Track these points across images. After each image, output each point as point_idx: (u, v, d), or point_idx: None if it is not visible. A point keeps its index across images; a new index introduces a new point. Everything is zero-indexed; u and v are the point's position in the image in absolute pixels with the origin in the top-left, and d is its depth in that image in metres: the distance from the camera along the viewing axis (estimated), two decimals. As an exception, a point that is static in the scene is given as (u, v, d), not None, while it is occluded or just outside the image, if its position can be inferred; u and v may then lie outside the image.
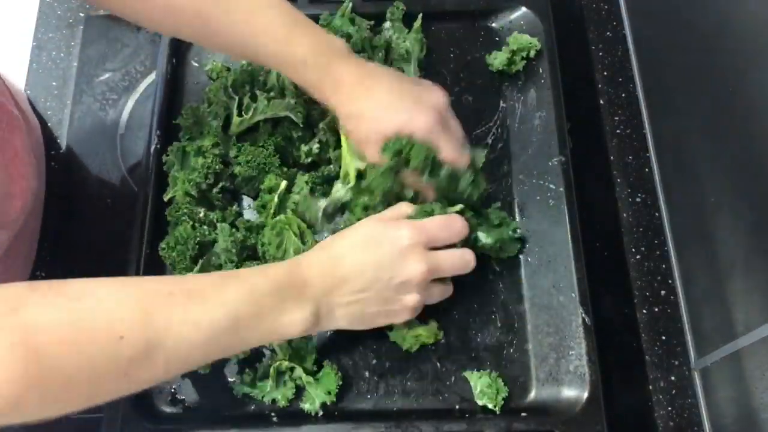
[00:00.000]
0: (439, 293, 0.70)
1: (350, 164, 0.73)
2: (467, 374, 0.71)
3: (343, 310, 0.64)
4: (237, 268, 0.72)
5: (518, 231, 0.75)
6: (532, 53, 0.83)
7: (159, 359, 0.55)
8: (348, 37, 0.82)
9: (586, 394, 0.68)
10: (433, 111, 0.70)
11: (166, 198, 0.78)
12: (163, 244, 0.73)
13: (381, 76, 0.71)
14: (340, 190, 0.74)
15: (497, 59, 0.84)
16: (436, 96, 0.72)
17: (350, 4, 0.85)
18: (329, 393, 0.69)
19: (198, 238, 0.72)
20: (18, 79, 0.94)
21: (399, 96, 0.70)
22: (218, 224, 0.74)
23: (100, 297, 0.54)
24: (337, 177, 0.77)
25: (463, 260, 0.69)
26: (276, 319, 0.61)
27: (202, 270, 0.72)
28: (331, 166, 0.78)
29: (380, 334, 0.73)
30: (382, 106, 0.69)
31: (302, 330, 0.62)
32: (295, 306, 0.61)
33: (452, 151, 0.70)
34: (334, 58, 0.70)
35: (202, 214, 0.75)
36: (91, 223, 0.87)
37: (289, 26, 0.69)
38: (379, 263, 0.64)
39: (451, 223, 0.68)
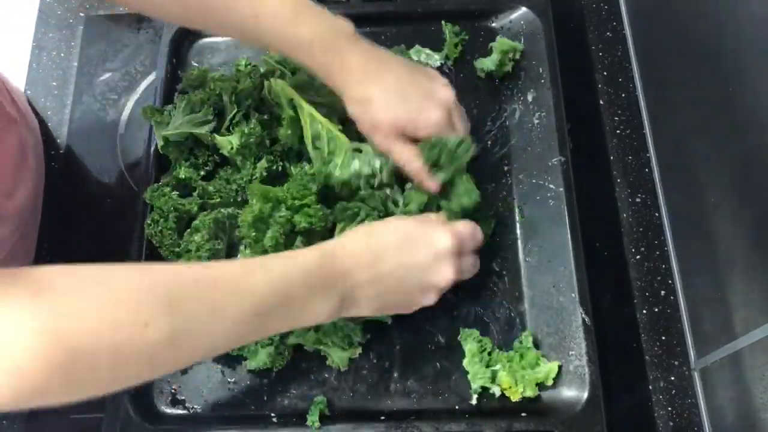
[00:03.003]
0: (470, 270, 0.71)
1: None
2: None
3: (366, 303, 0.65)
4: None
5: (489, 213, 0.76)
6: (518, 55, 0.84)
7: (183, 346, 0.55)
8: None
9: (586, 394, 0.68)
10: (442, 107, 0.70)
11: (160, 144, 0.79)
12: (148, 220, 0.74)
13: (390, 61, 0.71)
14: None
15: (487, 62, 0.84)
16: (445, 91, 0.72)
17: None
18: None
19: (178, 206, 0.74)
20: (18, 79, 0.94)
21: (409, 85, 0.70)
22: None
23: (125, 283, 0.54)
24: None
25: (475, 268, 0.71)
26: (303, 308, 0.61)
27: (188, 242, 0.73)
28: None
29: (381, 334, 0.73)
30: (392, 95, 0.69)
31: (326, 318, 0.63)
32: (322, 296, 0.61)
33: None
34: (341, 40, 0.69)
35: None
36: (91, 223, 0.87)
37: (294, 7, 0.68)
38: (413, 264, 0.65)
39: (476, 232, 0.70)
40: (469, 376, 0.70)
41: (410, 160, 0.71)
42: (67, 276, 0.53)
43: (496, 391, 0.69)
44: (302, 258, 0.62)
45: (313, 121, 0.75)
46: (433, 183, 0.71)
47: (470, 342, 0.71)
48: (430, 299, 0.67)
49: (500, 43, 0.84)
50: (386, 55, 0.72)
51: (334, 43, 0.69)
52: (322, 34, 0.68)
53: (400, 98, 0.70)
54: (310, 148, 0.76)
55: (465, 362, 0.71)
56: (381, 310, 0.67)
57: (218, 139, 0.78)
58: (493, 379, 0.70)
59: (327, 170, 0.73)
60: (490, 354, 0.71)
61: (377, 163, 0.73)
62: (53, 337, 0.48)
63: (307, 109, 0.76)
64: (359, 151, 0.74)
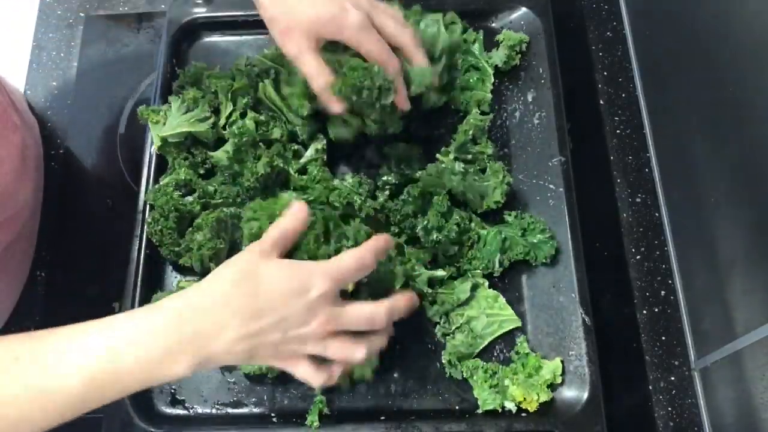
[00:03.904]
0: (344, 354, 0.61)
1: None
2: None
3: (231, 357, 0.58)
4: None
5: (547, 231, 0.74)
6: (524, 47, 0.84)
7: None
8: None
9: (586, 394, 0.68)
10: (362, 9, 0.68)
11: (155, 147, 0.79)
12: (149, 219, 0.74)
13: None
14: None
15: (494, 58, 0.84)
16: None
17: None
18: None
19: (179, 206, 0.74)
20: (18, 79, 0.94)
21: None
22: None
23: None
24: None
25: (369, 318, 0.61)
26: (146, 371, 0.55)
27: (190, 241, 0.73)
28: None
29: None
30: None
31: (178, 378, 0.57)
32: (167, 357, 0.55)
33: (381, 53, 0.68)
34: None
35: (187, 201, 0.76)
36: (91, 223, 0.87)
37: None
38: (277, 319, 0.57)
39: (364, 264, 0.61)
40: (479, 402, 0.69)
41: (317, 73, 0.68)
42: None
43: (511, 406, 0.69)
44: (140, 320, 0.56)
45: None
46: (336, 105, 0.68)
47: (477, 374, 0.70)
48: (302, 352, 0.60)
49: (506, 37, 0.84)
50: None
51: None
52: None
53: None
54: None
55: (475, 392, 0.70)
56: (252, 361, 0.60)
57: (215, 155, 0.78)
58: (503, 397, 0.69)
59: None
60: (495, 374, 0.70)
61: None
62: None
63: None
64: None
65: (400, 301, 0.63)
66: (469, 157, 0.77)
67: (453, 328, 0.72)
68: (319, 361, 0.61)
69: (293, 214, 0.62)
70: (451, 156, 0.76)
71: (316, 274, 0.58)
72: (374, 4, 0.70)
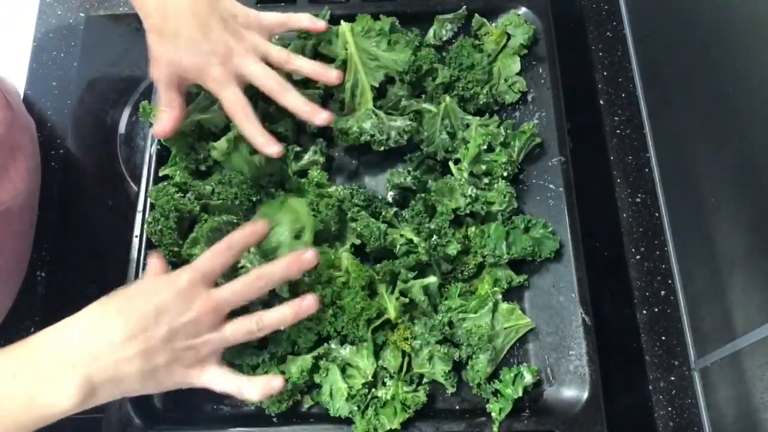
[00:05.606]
0: (242, 331, 0.63)
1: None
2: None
3: (126, 368, 0.57)
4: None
5: (549, 226, 0.74)
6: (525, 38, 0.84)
7: None
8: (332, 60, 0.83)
9: (586, 394, 0.68)
10: (228, 65, 0.70)
11: (162, 173, 0.78)
12: (149, 218, 0.74)
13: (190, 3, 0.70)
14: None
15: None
16: (239, 48, 0.71)
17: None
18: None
19: (180, 206, 0.73)
20: (18, 79, 0.94)
21: (203, 32, 0.69)
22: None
23: None
24: None
25: (246, 283, 0.63)
26: (25, 405, 0.54)
27: (192, 243, 0.73)
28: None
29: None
30: (184, 39, 0.69)
31: (72, 408, 0.56)
32: (50, 384, 0.55)
33: (232, 107, 0.71)
34: None
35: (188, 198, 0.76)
36: (91, 223, 0.87)
37: None
38: (154, 309, 0.59)
39: (218, 250, 0.65)
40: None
41: (167, 105, 0.71)
42: None
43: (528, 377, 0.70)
44: (15, 349, 0.56)
45: (357, 71, 0.80)
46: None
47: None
48: (201, 344, 0.61)
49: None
50: None
51: None
52: None
53: (189, 46, 0.69)
54: (347, 93, 0.80)
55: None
56: (156, 375, 0.59)
57: (215, 145, 0.78)
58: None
59: (341, 122, 0.78)
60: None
61: (386, 130, 0.77)
62: None
63: (356, 59, 0.80)
64: (376, 115, 0.78)
65: (277, 264, 0.65)
66: (483, 168, 0.76)
67: (476, 351, 0.70)
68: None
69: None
70: (465, 173, 0.76)
71: (178, 271, 0.63)
72: (246, 53, 0.72)
